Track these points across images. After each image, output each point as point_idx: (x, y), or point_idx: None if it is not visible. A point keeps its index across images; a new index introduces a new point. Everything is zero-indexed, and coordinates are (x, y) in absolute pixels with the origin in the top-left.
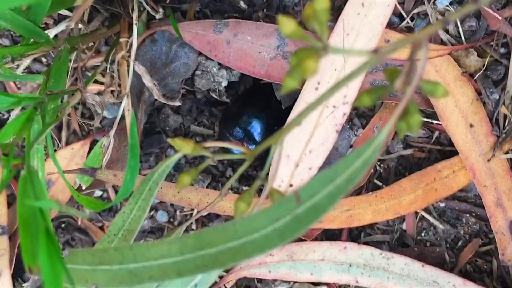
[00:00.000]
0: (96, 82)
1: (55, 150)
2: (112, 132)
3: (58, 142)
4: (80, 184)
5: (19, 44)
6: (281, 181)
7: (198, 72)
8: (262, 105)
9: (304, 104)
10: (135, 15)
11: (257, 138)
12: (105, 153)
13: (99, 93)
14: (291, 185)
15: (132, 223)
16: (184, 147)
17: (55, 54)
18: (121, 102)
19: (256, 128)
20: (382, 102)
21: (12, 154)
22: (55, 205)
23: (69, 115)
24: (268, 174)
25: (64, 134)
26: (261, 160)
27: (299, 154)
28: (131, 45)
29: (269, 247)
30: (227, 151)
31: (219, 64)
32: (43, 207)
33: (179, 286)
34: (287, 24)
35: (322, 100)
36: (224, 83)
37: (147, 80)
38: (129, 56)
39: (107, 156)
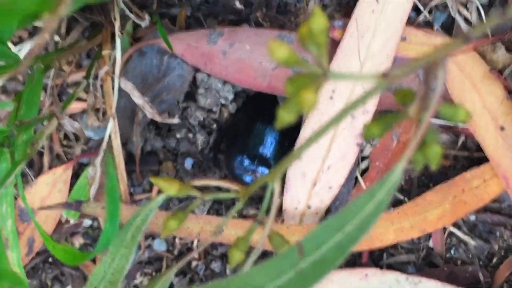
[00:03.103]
0: (79, 99)
1: (37, 175)
2: (99, 160)
3: (31, 175)
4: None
5: None
6: (297, 202)
7: (201, 91)
8: (268, 121)
9: (318, 116)
10: (117, 25)
11: (271, 161)
12: (91, 183)
13: (84, 111)
14: (309, 207)
15: (114, 273)
16: (168, 189)
17: (27, 76)
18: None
19: (267, 149)
20: None
21: None
22: None
23: (50, 137)
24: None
25: (46, 159)
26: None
27: (316, 171)
28: (115, 59)
29: None
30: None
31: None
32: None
33: None
34: (278, 49)
35: (321, 135)
36: (231, 97)
37: (137, 97)
38: (114, 72)
39: (94, 188)
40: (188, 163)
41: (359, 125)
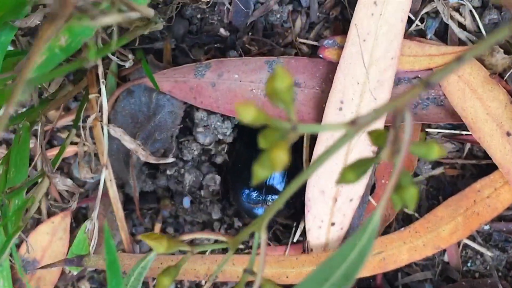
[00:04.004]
0: (72, 143)
1: (36, 222)
2: (95, 214)
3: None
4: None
5: None
6: (320, 221)
7: (200, 130)
8: None
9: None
10: (100, 71)
11: (279, 187)
12: (91, 237)
13: (76, 155)
14: (333, 224)
15: None
16: (157, 247)
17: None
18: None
19: (273, 177)
20: None
21: None
22: None
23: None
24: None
25: (44, 206)
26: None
27: (335, 186)
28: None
29: None
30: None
31: (222, 115)
32: None
33: None
34: (246, 111)
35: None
36: (229, 132)
37: (128, 142)
38: (102, 117)
39: (93, 241)
40: (186, 201)
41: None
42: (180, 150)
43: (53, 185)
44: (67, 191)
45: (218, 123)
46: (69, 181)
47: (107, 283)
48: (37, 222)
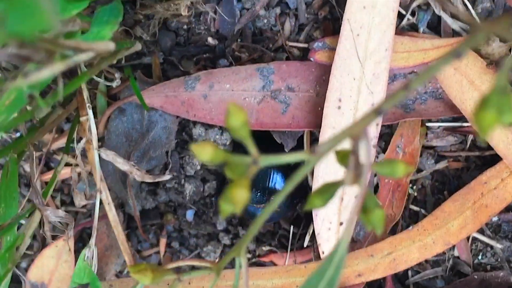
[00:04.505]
0: (68, 164)
1: (41, 248)
2: (93, 241)
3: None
4: None
5: None
6: (329, 223)
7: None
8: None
9: (330, 129)
10: (86, 95)
11: (279, 187)
12: (91, 264)
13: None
14: (341, 223)
15: None
16: (142, 279)
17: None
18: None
19: (274, 180)
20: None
21: None
22: None
23: (47, 204)
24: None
25: (47, 228)
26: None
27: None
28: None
29: None
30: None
31: (220, 128)
32: None
33: None
34: (203, 151)
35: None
36: (229, 141)
37: (121, 164)
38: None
39: (95, 269)
40: (190, 214)
41: (373, 126)
42: (182, 166)
43: (53, 205)
44: (60, 222)
45: (217, 136)
46: (61, 213)
47: None
48: (43, 244)
